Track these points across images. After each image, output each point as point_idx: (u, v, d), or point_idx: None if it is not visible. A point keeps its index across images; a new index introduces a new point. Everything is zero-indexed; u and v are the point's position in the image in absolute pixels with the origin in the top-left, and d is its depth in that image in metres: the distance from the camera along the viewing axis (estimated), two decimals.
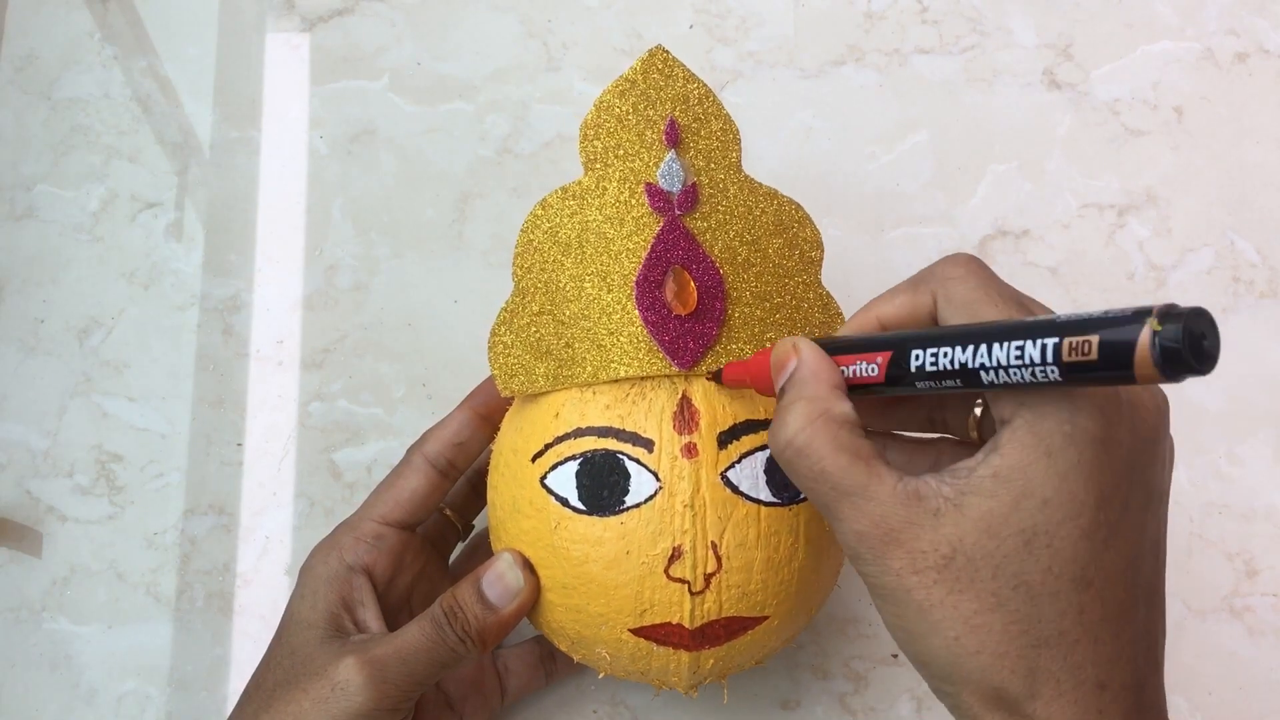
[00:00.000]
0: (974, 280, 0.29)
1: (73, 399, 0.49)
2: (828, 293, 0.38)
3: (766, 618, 0.35)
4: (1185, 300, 0.50)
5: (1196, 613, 0.46)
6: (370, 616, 0.37)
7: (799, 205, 0.38)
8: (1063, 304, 0.50)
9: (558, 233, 0.37)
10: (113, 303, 0.51)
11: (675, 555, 0.34)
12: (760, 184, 0.38)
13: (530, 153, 0.53)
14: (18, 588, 0.47)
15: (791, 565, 0.35)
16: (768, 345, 0.37)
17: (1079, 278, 0.51)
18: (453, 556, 0.44)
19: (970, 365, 0.27)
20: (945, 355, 0.27)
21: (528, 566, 0.36)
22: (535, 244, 0.37)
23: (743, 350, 0.36)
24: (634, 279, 0.36)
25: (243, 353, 0.50)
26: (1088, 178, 0.52)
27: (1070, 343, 0.24)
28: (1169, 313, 0.23)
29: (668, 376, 0.35)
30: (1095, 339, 0.24)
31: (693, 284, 0.36)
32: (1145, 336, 0.23)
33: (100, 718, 0.45)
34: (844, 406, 0.29)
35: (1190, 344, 0.22)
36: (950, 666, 0.27)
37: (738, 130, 0.38)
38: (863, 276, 0.51)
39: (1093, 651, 0.27)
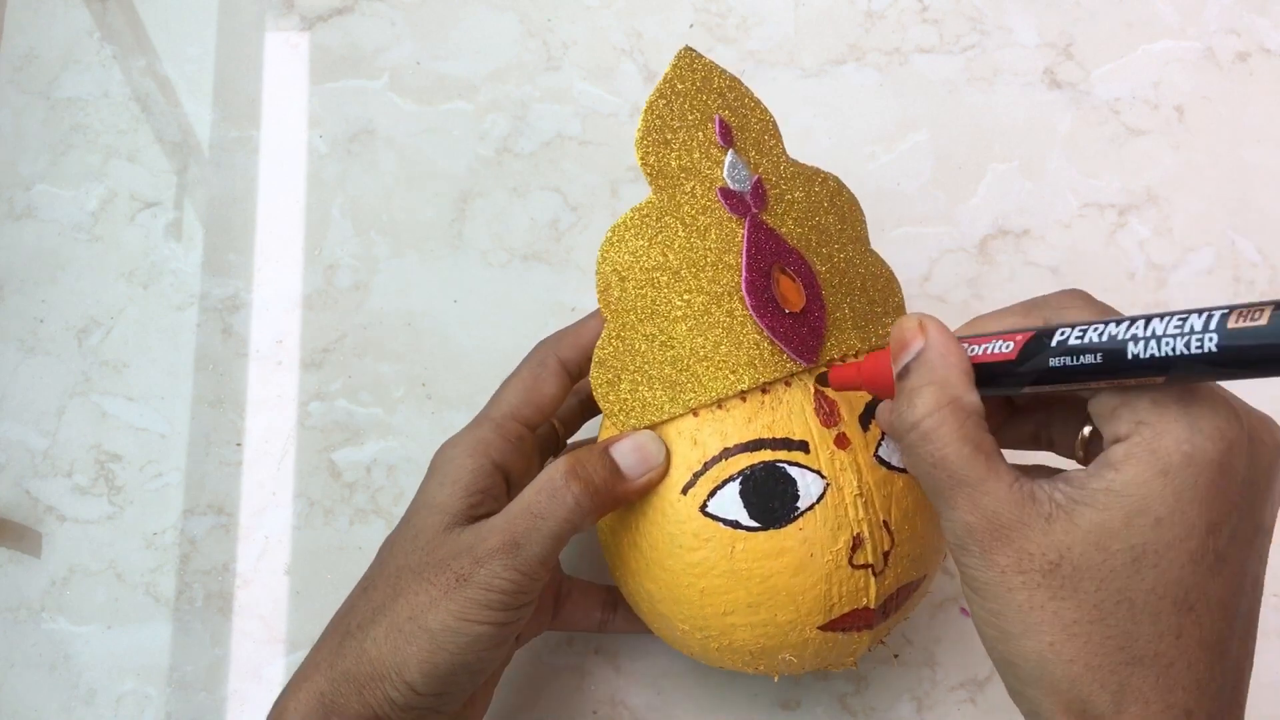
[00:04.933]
0: (1092, 310, 0.29)
1: (72, 399, 0.49)
2: (877, 254, 0.39)
3: (925, 576, 0.37)
4: (1185, 299, 0.51)
5: None
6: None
7: (833, 175, 0.39)
8: None
9: (643, 255, 0.36)
10: (112, 302, 0.51)
11: (857, 544, 0.35)
12: (803, 164, 0.39)
13: (530, 152, 0.53)
14: (17, 588, 0.47)
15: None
16: (869, 344, 0.38)
17: (1079, 277, 0.51)
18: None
19: (1120, 336, 0.26)
20: (1095, 330, 0.27)
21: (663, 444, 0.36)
22: (622, 271, 0.36)
23: (849, 336, 0.37)
24: (739, 287, 0.35)
25: (242, 352, 0.50)
26: (1088, 177, 0.52)
27: (1240, 310, 0.23)
28: None
29: (794, 376, 0.36)
30: (1268, 309, 0.23)
31: (796, 279, 0.36)
32: None
33: (99, 718, 0.45)
34: (972, 396, 0.29)
35: None
36: (1040, 671, 0.27)
37: (772, 115, 0.38)
38: None
39: (1185, 676, 0.27)
